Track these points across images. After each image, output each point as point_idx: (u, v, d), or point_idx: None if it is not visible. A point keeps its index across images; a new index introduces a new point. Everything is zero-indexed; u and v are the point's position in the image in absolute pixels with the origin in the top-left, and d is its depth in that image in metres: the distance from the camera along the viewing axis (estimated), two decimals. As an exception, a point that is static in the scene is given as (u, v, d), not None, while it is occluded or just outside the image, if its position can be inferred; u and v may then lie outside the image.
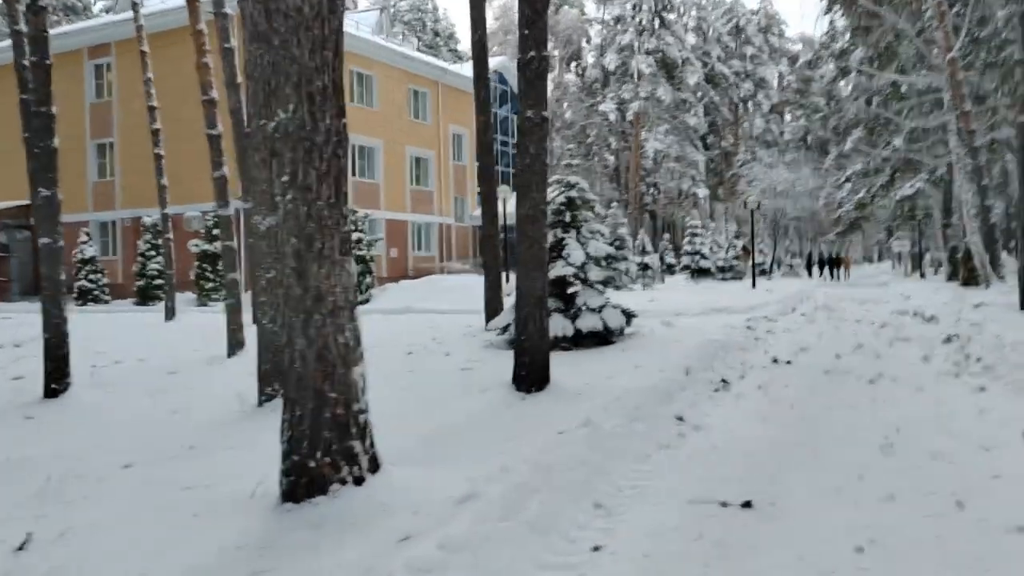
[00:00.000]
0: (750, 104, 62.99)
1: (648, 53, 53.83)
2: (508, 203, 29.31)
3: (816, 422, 6.53)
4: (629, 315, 11.58)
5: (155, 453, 6.10)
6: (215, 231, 24.61)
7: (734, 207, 54.90)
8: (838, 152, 49.91)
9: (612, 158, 64.17)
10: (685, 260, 38.51)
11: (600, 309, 10.93)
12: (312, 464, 4.26)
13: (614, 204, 30.60)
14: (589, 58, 61.09)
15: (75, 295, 27.39)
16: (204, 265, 24.35)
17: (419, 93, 37.30)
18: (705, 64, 59.34)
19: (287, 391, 4.43)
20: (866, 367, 9.25)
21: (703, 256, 37.67)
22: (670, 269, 43.15)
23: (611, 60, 53.85)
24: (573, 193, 11.39)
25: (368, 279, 22.51)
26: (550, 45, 44.50)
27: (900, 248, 44.65)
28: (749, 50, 62.08)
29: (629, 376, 7.98)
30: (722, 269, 38.69)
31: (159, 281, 26.00)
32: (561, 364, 9.18)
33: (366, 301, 22.39)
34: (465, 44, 70.73)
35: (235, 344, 12.42)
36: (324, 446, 4.29)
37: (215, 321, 18.76)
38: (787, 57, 66.92)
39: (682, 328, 12.92)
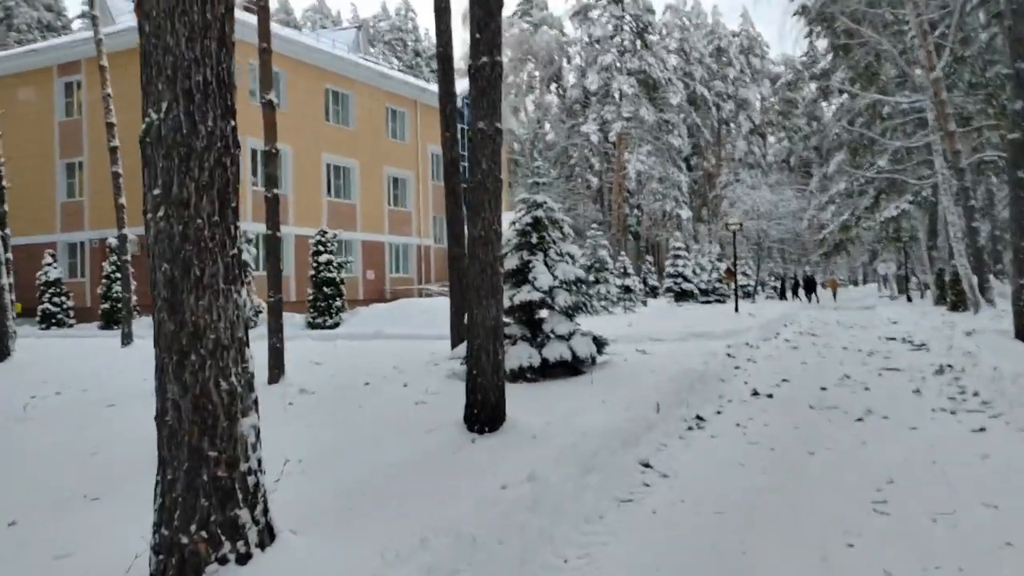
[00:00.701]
0: (732, 125, 62.82)
1: (630, 73, 53.56)
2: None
3: (799, 469, 5.80)
4: (601, 343, 10.84)
5: (51, 505, 5.32)
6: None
7: (717, 229, 54.49)
8: (822, 174, 49.70)
9: (595, 180, 63.73)
10: (668, 283, 37.88)
11: (569, 337, 10.21)
12: (185, 540, 3.49)
13: (594, 225, 29.90)
14: (570, 78, 60.84)
15: (38, 319, 26.40)
16: (169, 288, 23.38)
17: (397, 112, 36.67)
18: (687, 86, 59.20)
19: (159, 448, 3.66)
20: (854, 402, 8.55)
21: (686, 279, 37.05)
22: (653, 292, 42.54)
23: (593, 80, 53.51)
24: (540, 213, 10.69)
25: (338, 302, 21.71)
26: (530, 66, 44.25)
27: (885, 270, 44.30)
28: (731, 72, 62.07)
29: (594, 413, 7.24)
30: (705, 292, 38.10)
31: (123, 304, 25.07)
32: (522, 398, 8.44)
33: (336, 325, 21.58)
34: (448, 65, 70.47)
35: (182, 373, 11.65)
36: (201, 517, 3.52)
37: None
38: (769, 79, 67.01)
39: (658, 356, 12.21)
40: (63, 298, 26.40)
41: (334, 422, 7.61)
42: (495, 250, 6.79)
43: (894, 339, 16.38)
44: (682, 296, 37.00)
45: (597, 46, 54.92)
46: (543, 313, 10.57)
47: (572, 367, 10.34)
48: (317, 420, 7.82)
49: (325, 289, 21.56)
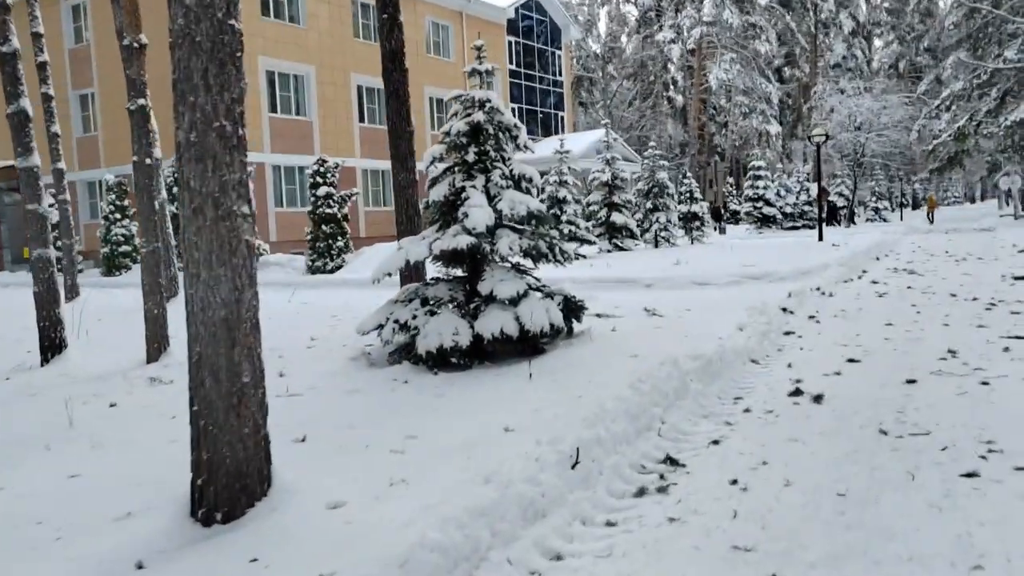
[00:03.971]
0: (831, 28, 55.75)
1: (713, -29, 47.48)
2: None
3: None
4: (574, 307, 7.42)
5: None
6: (175, 190, 21.31)
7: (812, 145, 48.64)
8: (934, 76, 43.26)
9: (679, 98, 58.22)
10: (747, 207, 33.31)
11: (516, 301, 6.80)
12: None
13: (651, 145, 25.70)
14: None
15: (46, 264, 24.71)
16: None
17: (439, 26, 32.98)
18: (781, -17, 52.47)
19: None
20: (960, 417, 4.91)
21: (768, 202, 32.40)
22: (735, 217, 38.07)
23: (670, -19, 47.77)
24: (480, 116, 7.20)
25: (340, 242, 18.76)
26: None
27: (1008, 184, 38.13)
28: (832, -36, 54.60)
29: (458, 469, 3.95)
30: (791, 216, 33.42)
31: (126, 248, 23.04)
32: (382, 418, 5.25)
33: (337, 269, 18.71)
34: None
35: (50, 347, 9.09)
36: None
37: (120, 303, 15.36)
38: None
39: (669, 320, 8.61)
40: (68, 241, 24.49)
41: (71, 463, 4.70)
42: (223, 171, 3.46)
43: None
44: (764, 222, 32.49)
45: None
46: (486, 268, 7.19)
47: (531, 343, 7.00)
48: (69, 452, 4.97)
49: (324, 227, 18.61)
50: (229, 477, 3.51)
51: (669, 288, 12.63)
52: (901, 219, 45.90)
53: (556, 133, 39.52)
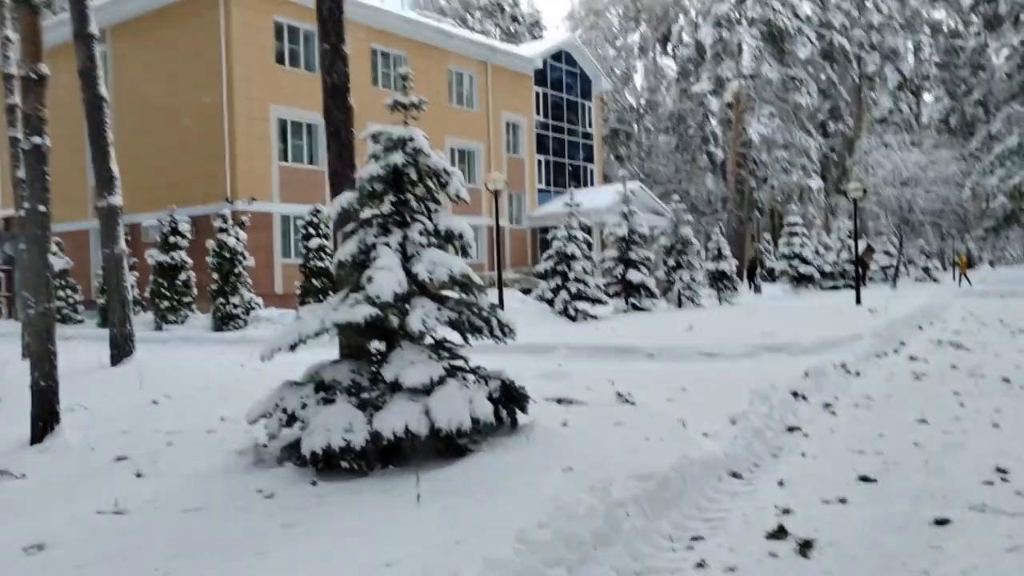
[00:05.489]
0: (876, 81, 53.97)
1: (752, 23, 46.32)
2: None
3: None
4: (515, 396, 5.93)
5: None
6: (171, 239, 20.46)
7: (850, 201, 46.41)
8: (986, 132, 41.24)
9: (719, 152, 56.76)
10: (782, 265, 31.45)
11: (429, 389, 5.34)
12: None
13: (675, 198, 24.23)
14: (684, 36, 53.79)
15: (47, 314, 24.03)
16: (160, 280, 20.16)
17: (463, 76, 32.24)
18: (822, 36, 51.01)
19: None
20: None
21: (804, 260, 30.52)
22: (771, 275, 36.17)
23: (707, 34, 46.65)
24: (399, 158, 5.85)
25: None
26: (643, 26, 38.27)
27: (1070, 246, 35.63)
28: (876, 18, 53.11)
29: None
30: (831, 275, 31.43)
31: (122, 298, 22.12)
32: (182, 568, 3.78)
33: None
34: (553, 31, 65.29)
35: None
36: None
37: (84, 360, 14.15)
38: (929, 25, 57.07)
39: (643, 412, 6.93)
40: (69, 291, 23.81)
41: None
42: None
43: (1094, 359, 10.32)
44: (800, 281, 30.59)
45: (712, -6, 47.93)
46: (400, 344, 5.76)
47: (448, 442, 5.50)
48: None
49: (315, 281, 17.45)
50: None
51: (672, 359, 11.04)
52: (953, 279, 43.43)
53: (586, 186, 38.36)
